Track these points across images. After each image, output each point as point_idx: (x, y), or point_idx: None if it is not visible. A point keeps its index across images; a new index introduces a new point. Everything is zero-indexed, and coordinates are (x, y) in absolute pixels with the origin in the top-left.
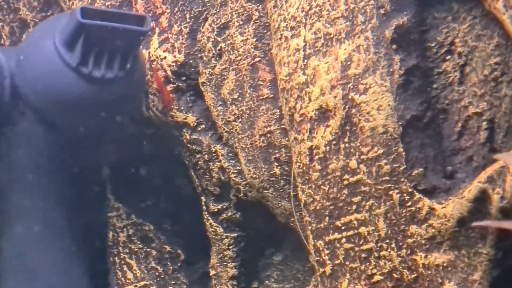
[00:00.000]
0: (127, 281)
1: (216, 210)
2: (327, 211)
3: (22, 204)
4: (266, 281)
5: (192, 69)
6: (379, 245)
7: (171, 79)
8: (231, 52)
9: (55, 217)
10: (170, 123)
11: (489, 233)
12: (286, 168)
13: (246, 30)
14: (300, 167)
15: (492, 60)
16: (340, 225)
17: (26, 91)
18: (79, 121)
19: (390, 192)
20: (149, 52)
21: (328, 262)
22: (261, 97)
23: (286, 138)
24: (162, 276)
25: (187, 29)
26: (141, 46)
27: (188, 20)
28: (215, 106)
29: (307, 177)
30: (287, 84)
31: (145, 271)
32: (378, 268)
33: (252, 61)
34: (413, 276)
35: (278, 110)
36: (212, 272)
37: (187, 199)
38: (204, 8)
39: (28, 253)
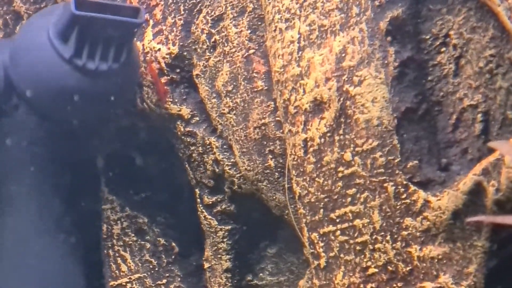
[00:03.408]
0: (121, 273)
1: (211, 202)
2: (322, 203)
3: (16, 195)
4: (261, 274)
5: (186, 61)
6: (374, 237)
7: (165, 71)
8: (225, 44)
9: (49, 208)
10: (164, 115)
11: (484, 225)
12: (281, 161)
13: (241, 22)
14: (295, 159)
15: (487, 52)
16: (335, 218)
17: (20, 83)
18: (73, 113)
19: (385, 185)
20: (143, 44)
21: (323, 254)
22: (255, 89)
23: (281, 131)
24: (156, 269)
25: (181, 21)
26: (135, 38)
27: (182, 12)
28: (209, 99)
29: (301, 170)
30: (281, 76)
31: (139, 264)
32: (373, 260)
33: (247, 53)
34: (408, 268)
35: (272, 102)
36: (206, 265)
37: (181, 191)
38: (198, 0)
39: (22, 243)
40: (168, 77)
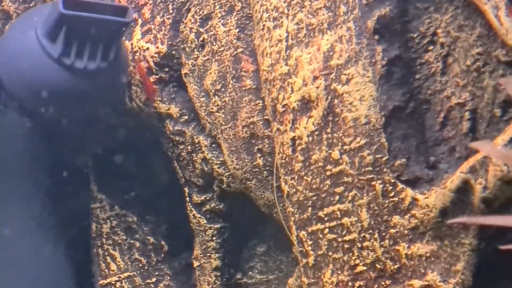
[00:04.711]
0: (111, 272)
1: (200, 201)
2: (310, 201)
3: (3, 193)
4: (250, 272)
5: (175, 60)
6: (362, 235)
7: (154, 70)
8: (214, 43)
9: (37, 207)
10: (153, 114)
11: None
12: (269, 159)
13: (229, 21)
14: (283, 158)
15: (474, 50)
16: (323, 216)
17: (9, 82)
18: (62, 112)
19: (373, 183)
20: (131, 43)
21: (311, 252)
22: (244, 88)
23: (269, 129)
24: (146, 267)
25: (170, 20)
26: (123, 37)
27: (171, 11)
28: (198, 97)
29: (290, 168)
30: (269, 75)
31: (129, 263)
32: (361, 258)
33: (235, 52)
34: (396, 266)
35: (261, 101)
36: (195, 263)
37: (170, 190)
38: None
39: (10, 242)
40: (157, 76)
